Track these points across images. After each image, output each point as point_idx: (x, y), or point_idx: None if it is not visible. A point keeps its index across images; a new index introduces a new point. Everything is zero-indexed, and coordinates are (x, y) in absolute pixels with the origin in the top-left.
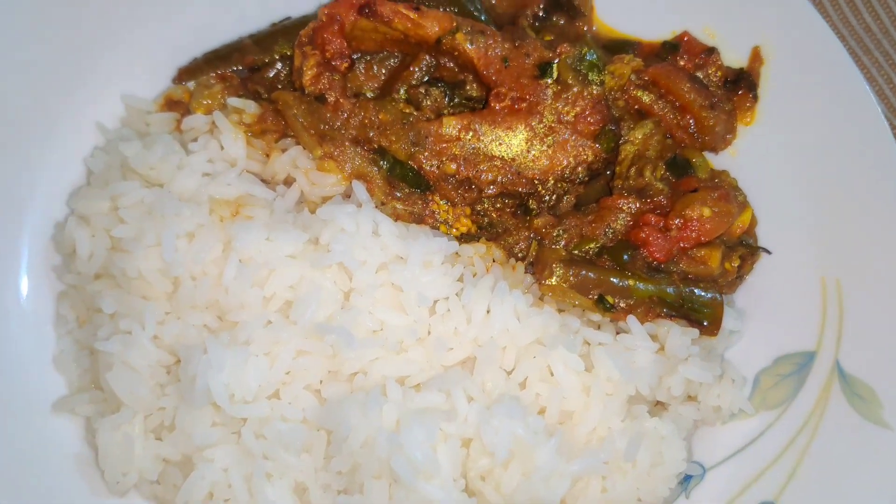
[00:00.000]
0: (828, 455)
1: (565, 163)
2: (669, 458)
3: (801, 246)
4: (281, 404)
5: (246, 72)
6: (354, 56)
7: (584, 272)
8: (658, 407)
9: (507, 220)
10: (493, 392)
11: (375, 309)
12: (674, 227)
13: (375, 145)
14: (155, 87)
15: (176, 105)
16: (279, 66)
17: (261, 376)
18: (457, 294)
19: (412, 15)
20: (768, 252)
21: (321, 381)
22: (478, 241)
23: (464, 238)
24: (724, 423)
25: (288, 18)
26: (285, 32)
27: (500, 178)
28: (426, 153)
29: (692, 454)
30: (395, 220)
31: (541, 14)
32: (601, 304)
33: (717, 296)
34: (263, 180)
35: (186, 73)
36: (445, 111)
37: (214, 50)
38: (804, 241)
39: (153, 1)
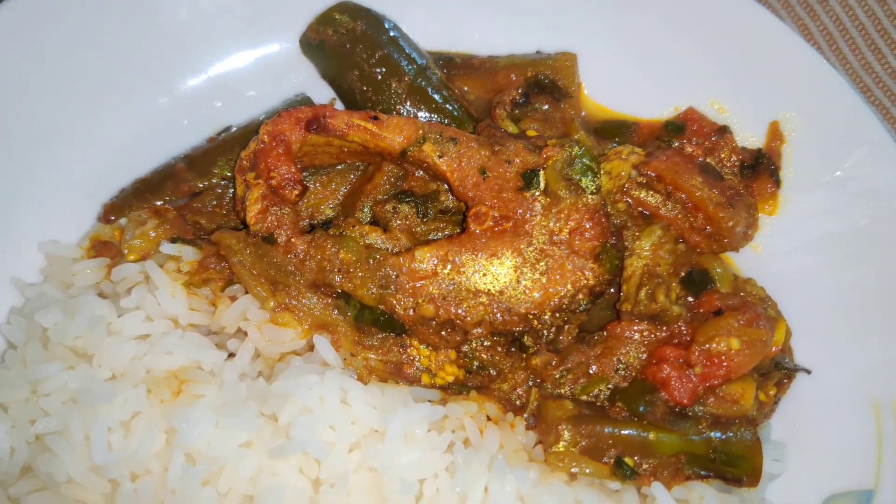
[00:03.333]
0: None
1: (563, 291)
2: None
3: (844, 360)
4: None
5: (183, 199)
6: (307, 173)
7: (597, 428)
8: None
9: (501, 360)
10: None
11: (351, 501)
12: (698, 362)
13: (338, 290)
14: (79, 229)
15: (105, 248)
16: (221, 185)
17: None
18: (447, 469)
19: (370, 126)
20: (808, 371)
21: None
22: (467, 395)
23: (451, 388)
24: None
25: (228, 129)
26: (224, 150)
27: (487, 317)
28: (398, 295)
29: None
30: (369, 375)
31: (520, 100)
32: (619, 468)
33: (755, 437)
34: (212, 332)
35: (113, 209)
36: (418, 229)
37: (144, 178)
38: (848, 353)
39: (67, 127)
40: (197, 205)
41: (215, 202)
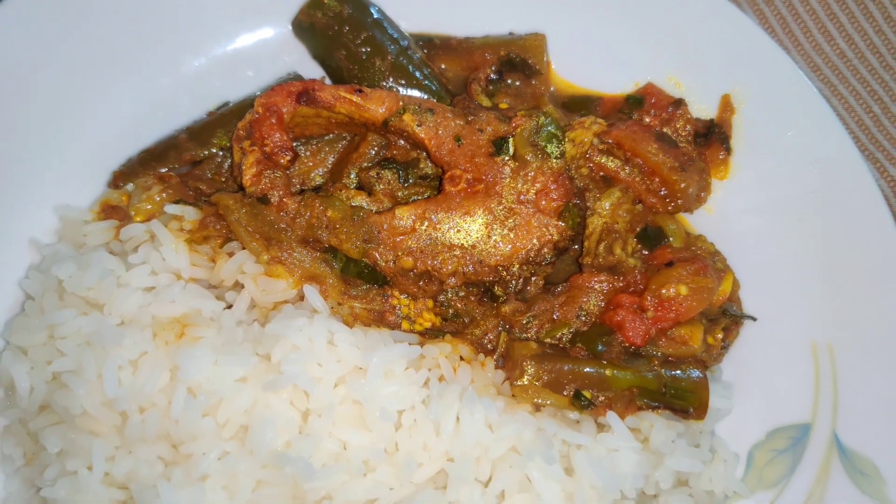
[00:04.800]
0: None
1: (529, 245)
2: None
3: (787, 309)
4: None
5: (186, 167)
6: (298, 143)
7: (557, 366)
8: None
9: (473, 308)
10: None
11: (336, 429)
12: (650, 307)
13: (325, 244)
14: (90, 194)
15: (114, 211)
16: (220, 155)
17: None
18: (423, 402)
19: (355, 98)
20: (754, 319)
21: None
22: (443, 339)
23: (428, 333)
24: None
25: (226, 105)
26: (222, 122)
27: (461, 269)
28: (380, 248)
29: None
30: (354, 321)
31: (493, 76)
32: (578, 400)
33: (702, 375)
34: (212, 286)
35: (122, 176)
36: (400, 193)
37: (149, 149)
38: (790, 303)
39: (78, 104)
40: (197, 172)
41: (214, 170)
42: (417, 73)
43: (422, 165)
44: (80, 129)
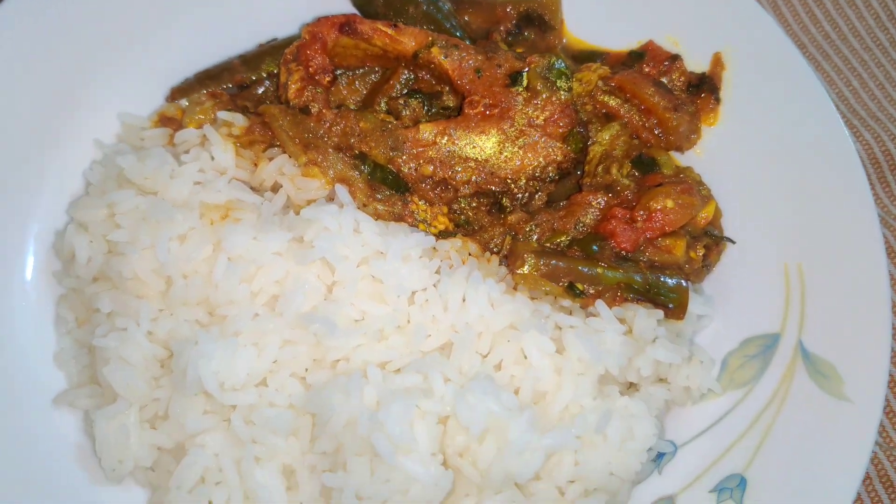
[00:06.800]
0: (792, 429)
1: (536, 163)
2: (640, 434)
3: (764, 235)
4: (268, 391)
5: (235, 89)
6: (337, 72)
7: (554, 262)
8: (630, 389)
9: (483, 217)
10: (469, 373)
11: (357, 300)
12: (639, 218)
13: (356, 151)
14: (149, 106)
15: (169, 122)
16: (266, 83)
17: (249, 365)
18: (434, 285)
19: (390, 31)
20: (732, 241)
21: (306, 369)
22: (455, 238)
23: (441, 235)
24: (693, 403)
25: (275, 39)
26: (272, 52)
27: (474, 178)
28: (404, 157)
29: (664, 433)
30: (377, 219)
31: (513, 30)
32: (571, 290)
33: (683, 282)
34: (253, 188)
35: (179, 91)
36: (423, 119)
37: (205, 70)
38: (767, 230)
39: (149, 26)
40: (246, 93)
41: (261, 92)
42: (446, 23)
43: (444, 98)
44: (146, 48)
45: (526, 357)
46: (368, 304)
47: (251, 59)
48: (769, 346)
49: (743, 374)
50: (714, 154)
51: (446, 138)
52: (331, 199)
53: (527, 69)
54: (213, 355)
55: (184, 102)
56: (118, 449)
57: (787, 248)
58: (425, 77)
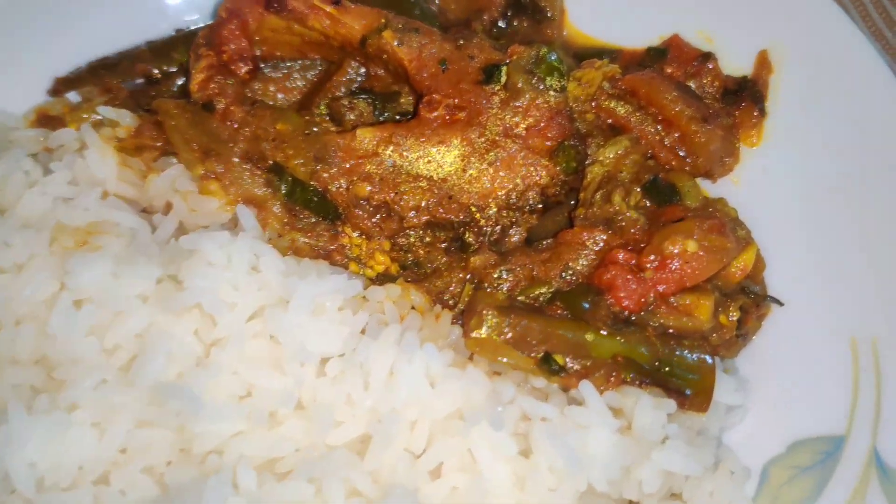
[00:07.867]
0: None
1: (512, 185)
2: None
3: (823, 298)
4: (110, 492)
5: (142, 84)
6: (267, 64)
7: (524, 322)
8: None
9: (438, 257)
10: (388, 483)
11: (243, 367)
12: (649, 265)
13: (270, 162)
14: (30, 101)
15: (51, 121)
16: (183, 78)
17: (84, 454)
18: (355, 350)
19: (330, 9)
20: (780, 303)
21: (169, 463)
22: (394, 284)
23: (380, 279)
24: None
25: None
26: (186, 39)
27: (425, 203)
28: (332, 171)
29: None
30: (286, 255)
31: (500, 19)
32: (546, 364)
33: (708, 358)
34: (144, 209)
35: (65, 83)
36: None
37: (101, 58)
38: (829, 291)
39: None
40: (153, 93)
41: (177, 89)
42: (413, 9)
43: (402, 101)
44: (30, 29)
45: (475, 461)
46: (258, 373)
47: (161, 47)
48: (830, 455)
49: (791, 493)
50: (756, 184)
51: (391, 148)
52: (237, 224)
53: (507, 62)
54: (26, 439)
55: (74, 98)
56: None
57: (857, 317)
58: (379, 73)
